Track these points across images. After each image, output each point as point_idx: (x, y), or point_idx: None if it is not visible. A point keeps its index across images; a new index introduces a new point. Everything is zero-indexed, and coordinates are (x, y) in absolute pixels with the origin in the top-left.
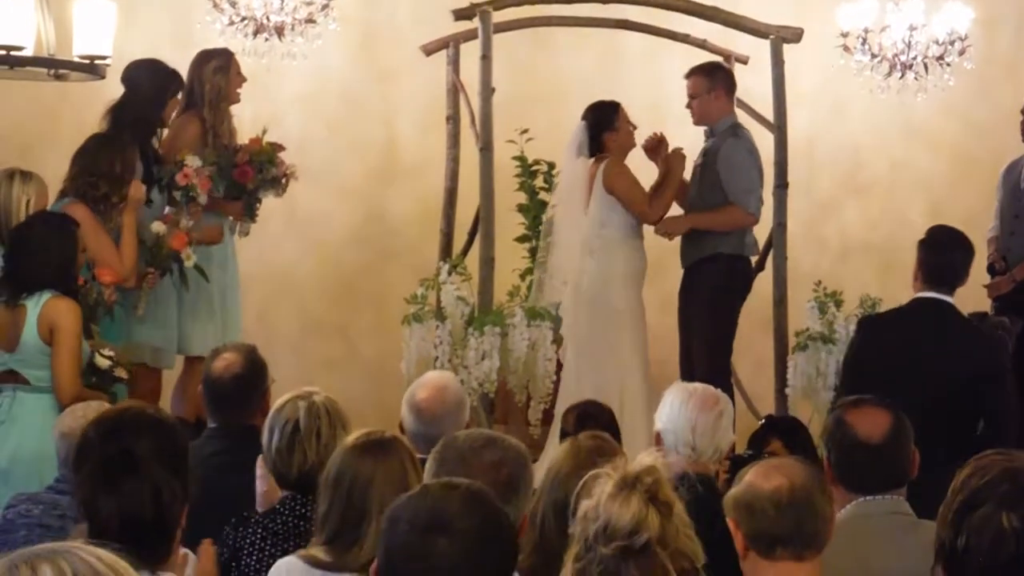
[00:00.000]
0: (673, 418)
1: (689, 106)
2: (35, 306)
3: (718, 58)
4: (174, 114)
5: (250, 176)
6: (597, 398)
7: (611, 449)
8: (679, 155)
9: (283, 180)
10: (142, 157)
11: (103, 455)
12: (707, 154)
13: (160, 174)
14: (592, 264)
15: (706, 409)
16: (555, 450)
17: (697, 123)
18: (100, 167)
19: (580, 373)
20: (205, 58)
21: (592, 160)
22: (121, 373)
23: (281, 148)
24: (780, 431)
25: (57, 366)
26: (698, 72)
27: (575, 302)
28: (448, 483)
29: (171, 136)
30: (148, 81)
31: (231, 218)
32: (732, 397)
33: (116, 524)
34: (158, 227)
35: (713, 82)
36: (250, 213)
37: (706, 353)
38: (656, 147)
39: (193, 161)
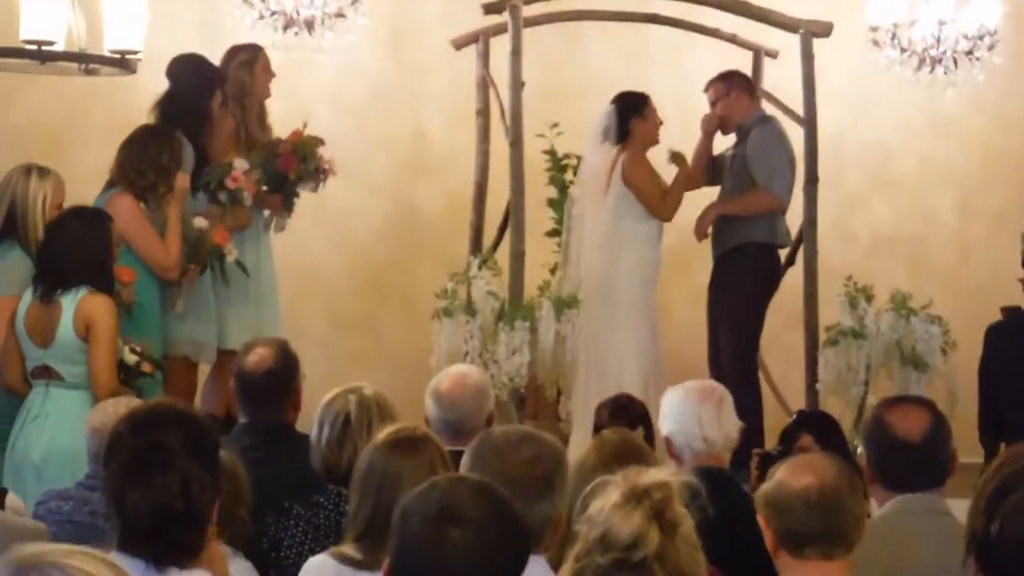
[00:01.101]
0: (677, 418)
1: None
2: (71, 302)
3: (747, 53)
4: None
5: (294, 165)
6: (600, 393)
7: (636, 445)
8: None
9: (322, 174)
10: (194, 150)
11: (133, 449)
12: (738, 146)
13: (208, 176)
14: (602, 255)
15: (706, 400)
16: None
17: (725, 132)
18: (148, 156)
19: (588, 367)
20: (233, 54)
21: (617, 147)
22: (147, 368)
23: (321, 142)
24: (811, 426)
25: (95, 362)
26: (714, 80)
27: (587, 294)
28: (456, 477)
29: (208, 134)
30: (192, 75)
31: (267, 212)
32: (759, 391)
33: (145, 518)
34: (200, 222)
35: (729, 84)
36: (288, 206)
37: (733, 345)
38: (711, 128)
39: (241, 164)
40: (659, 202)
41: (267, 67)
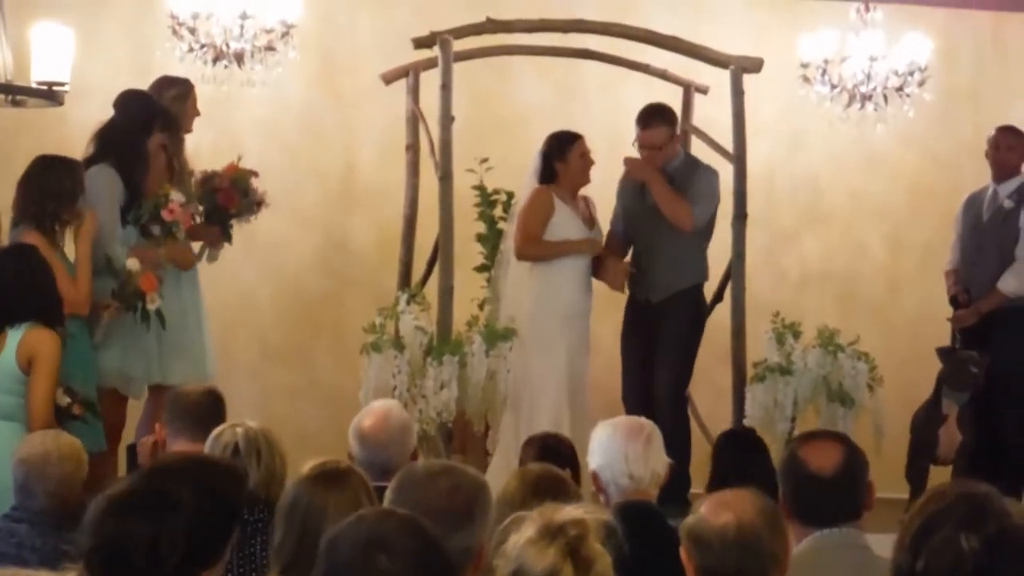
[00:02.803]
0: (604, 453)
1: (650, 154)
2: (16, 333)
3: (678, 88)
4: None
5: (235, 201)
6: (515, 427)
7: (559, 477)
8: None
9: (257, 206)
10: (127, 184)
11: (132, 486)
12: (673, 180)
13: (142, 208)
14: (519, 291)
15: (633, 437)
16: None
17: (659, 167)
18: (45, 188)
19: (510, 401)
20: (165, 84)
21: (540, 187)
22: (77, 411)
23: (255, 174)
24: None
25: (34, 394)
26: (660, 121)
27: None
28: (383, 510)
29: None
30: (137, 111)
31: (197, 245)
32: (689, 428)
33: (103, 559)
34: (133, 264)
35: (672, 129)
36: (227, 236)
37: (670, 383)
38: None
39: (178, 196)
40: (522, 237)
41: (196, 103)
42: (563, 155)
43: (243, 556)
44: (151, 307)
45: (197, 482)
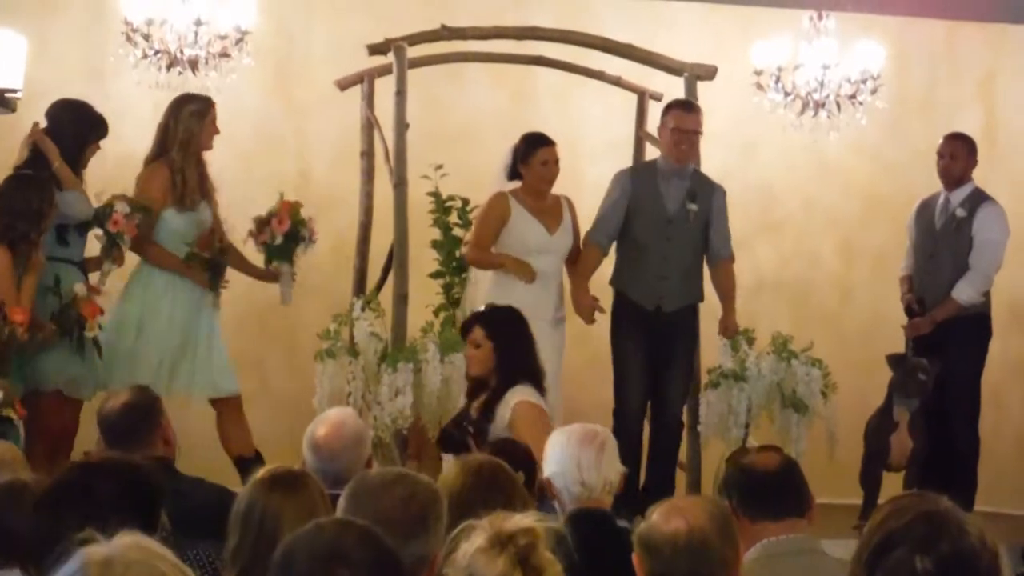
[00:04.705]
0: (558, 460)
1: (689, 140)
2: None
3: (632, 95)
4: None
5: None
6: None
7: (499, 468)
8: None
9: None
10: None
11: (64, 481)
12: (696, 199)
13: (98, 216)
14: (473, 295)
15: (587, 444)
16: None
17: (682, 161)
18: (15, 207)
19: None
20: (185, 101)
21: (507, 182)
22: (10, 414)
23: (299, 205)
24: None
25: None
26: (695, 112)
27: None
28: (342, 520)
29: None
30: (71, 123)
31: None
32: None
33: (39, 559)
34: (80, 289)
35: (700, 119)
36: (214, 286)
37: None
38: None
39: (122, 207)
40: (471, 244)
41: (215, 120)
42: (526, 158)
43: None
44: (88, 334)
45: (119, 476)
